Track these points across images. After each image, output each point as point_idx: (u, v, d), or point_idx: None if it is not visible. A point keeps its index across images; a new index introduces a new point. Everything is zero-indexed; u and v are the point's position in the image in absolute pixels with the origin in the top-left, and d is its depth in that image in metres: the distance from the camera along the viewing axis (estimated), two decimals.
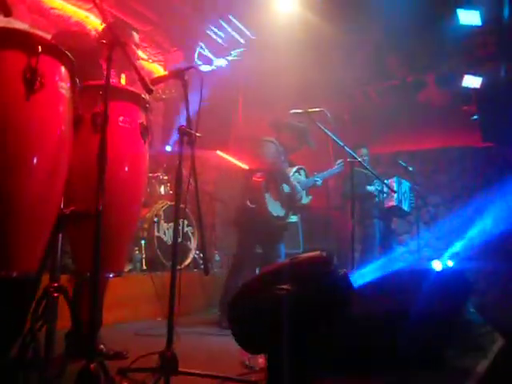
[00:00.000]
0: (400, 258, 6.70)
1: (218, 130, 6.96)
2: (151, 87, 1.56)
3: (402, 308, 2.11)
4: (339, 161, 3.95)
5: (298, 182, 3.79)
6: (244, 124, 6.96)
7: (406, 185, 5.15)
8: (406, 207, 5.02)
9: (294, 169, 3.85)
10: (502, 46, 5.61)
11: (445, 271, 3.11)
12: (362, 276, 2.17)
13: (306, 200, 3.87)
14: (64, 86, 1.57)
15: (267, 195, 3.63)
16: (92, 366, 1.41)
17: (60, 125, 1.54)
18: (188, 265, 4.49)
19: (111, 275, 1.76)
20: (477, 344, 2.84)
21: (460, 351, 2.52)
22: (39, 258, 1.50)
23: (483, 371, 2.30)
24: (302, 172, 3.92)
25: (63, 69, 1.59)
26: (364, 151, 5.19)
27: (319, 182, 3.89)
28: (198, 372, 1.90)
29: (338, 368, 1.69)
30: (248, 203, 3.63)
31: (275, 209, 3.67)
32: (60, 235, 1.69)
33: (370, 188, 4.98)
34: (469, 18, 5.12)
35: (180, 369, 1.85)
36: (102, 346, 2.34)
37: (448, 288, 2.56)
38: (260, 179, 3.66)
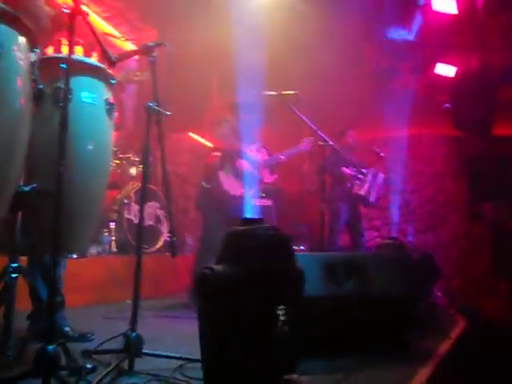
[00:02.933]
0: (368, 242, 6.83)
1: (191, 112, 6.86)
2: (114, 59, 1.50)
3: (365, 290, 2.13)
4: (306, 138, 3.90)
5: (259, 160, 3.73)
6: (218, 106, 6.88)
7: (381, 177, 5.18)
8: (372, 199, 5.06)
9: (254, 146, 3.79)
10: (475, 36, 5.68)
11: (414, 256, 3.16)
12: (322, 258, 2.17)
13: (269, 178, 3.82)
14: (21, 56, 1.49)
15: (221, 173, 3.56)
16: (51, 347, 1.38)
17: (18, 98, 1.47)
18: (160, 248, 4.44)
19: (74, 256, 1.70)
20: (440, 326, 2.92)
21: (423, 333, 2.58)
22: None
23: (445, 352, 2.36)
24: (262, 150, 3.85)
25: (20, 38, 1.51)
26: (351, 133, 5.23)
27: (282, 158, 3.82)
28: (163, 354, 1.88)
29: (296, 353, 1.69)
30: (203, 184, 3.59)
31: (233, 187, 3.60)
32: (20, 213, 1.64)
33: (345, 170, 5.01)
34: (444, 5, 5.16)
35: (146, 350, 1.84)
36: (67, 328, 2.29)
37: (416, 272, 2.61)
38: (213, 158, 3.62)
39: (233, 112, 3.81)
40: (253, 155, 3.76)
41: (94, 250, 3.80)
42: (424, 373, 1.96)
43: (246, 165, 3.66)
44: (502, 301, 5.46)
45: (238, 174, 3.65)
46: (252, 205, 3.87)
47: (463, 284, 6.55)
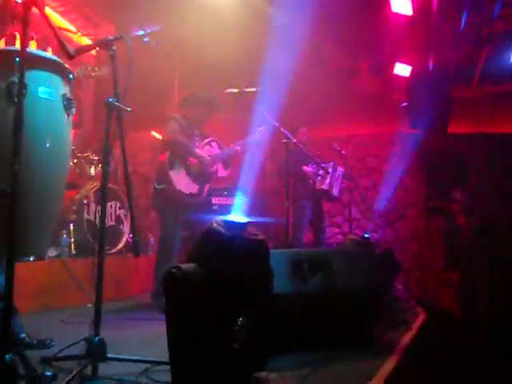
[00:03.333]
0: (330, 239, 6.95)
1: (152, 110, 6.74)
2: (72, 52, 1.43)
3: (331, 286, 2.15)
4: (259, 128, 3.80)
5: (210, 155, 3.67)
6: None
7: (340, 171, 5.30)
8: (335, 193, 5.16)
9: (205, 141, 3.73)
10: (430, 36, 5.86)
11: (374, 250, 3.23)
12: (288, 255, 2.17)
13: (223, 172, 3.76)
14: None
15: (172, 172, 3.47)
16: (6, 356, 1.30)
17: None
18: (121, 249, 4.33)
19: (31, 258, 1.62)
20: (401, 318, 2.99)
21: (387, 326, 2.64)
22: None
23: (407, 343, 2.42)
24: (213, 144, 3.78)
25: None
26: (304, 130, 5.28)
27: (236, 149, 3.75)
28: (127, 357, 1.82)
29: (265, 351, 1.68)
30: (155, 185, 3.51)
31: (186, 186, 3.53)
32: None
33: (305, 168, 5.07)
34: (401, 7, 5.29)
35: (110, 355, 1.78)
36: (23, 335, 2.19)
37: (378, 266, 2.66)
38: (163, 157, 3.53)
39: (187, 108, 3.74)
40: (207, 151, 3.69)
41: (52, 252, 3.66)
42: (388, 365, 2.00)
43: (196, 161, 3.59)
44: (454, 292, 5.69)
45: (190, 172, 3.57)
46: (208, 202, 3.82)
47: (422, 277, 6.79)
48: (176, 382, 1.28)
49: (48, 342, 2.21)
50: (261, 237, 1.56)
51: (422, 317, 3.24)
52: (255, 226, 1.58)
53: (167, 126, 3.58)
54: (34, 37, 2.66)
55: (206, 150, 3.69)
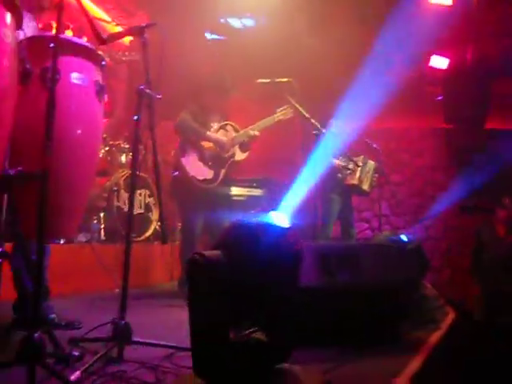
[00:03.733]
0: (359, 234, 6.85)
1: (183, 99, 6.76)
2: (104, 37, 1.44)
3: (358, 280, 2.11)
4: (283, 107, 3.64)
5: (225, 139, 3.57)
6: None
7: (371, 164, 5.15)
8: (365, 187, 5.03)
9: (217, 125, 3.61)
10: (470, 28, 5.66)
11: (404, 246, 3.16)
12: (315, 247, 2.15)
13: (240, 156, 3.64)
14: (8, 34, 1.43)
15: (184, 159, 3.42)
16: (36, 335, 1.33)
17: (3, 77, 1.41)
18: (149, 237, 4.40)
19: (61, 241, 1.66)
20: (430, 317, 2.92)
21: (414, 325, 2.58)
22: None
23: (435, 342, 2.36)
24: (228, 128, 3.66)
25: (8, 15, 1.45)
26: (337, 122, 5.17)
27: (253, 133, 3.60)
28: (152, 342, 1.85)
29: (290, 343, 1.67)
30: (172, 172, 3.48)
31: (199, 171, 3.46)
32: (5, 197, 1.58)
33: (335, 161, 4.97)
34: None
35: (135, 338, 1.80)
36: (53, 316, 2.25)
37: (407, 262, 2.60)
38: (177, 146, 3.52)
39: (199, 95, 3.64)
40: (221, 135, 3.59)
41: (82, 237, 3.75)
42: (415, 363, 1.95)
43: (210, 146, 3.50)
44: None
45: (204, 157, 3.49)
46: (226, 189, 3.72)
47: (452, 276, 6.62)
48: (196, 369, 1.28)
49: (76, 324, 2.27)
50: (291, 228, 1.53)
51: (451, 316, 3.16)
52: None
53: (180, 114, 3.55)
54: (70, 26, 2.70)
55: (220, 134, 3.59)
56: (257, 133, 3.60)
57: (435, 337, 2.47)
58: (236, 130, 3.66)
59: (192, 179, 3.41)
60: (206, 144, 3.51)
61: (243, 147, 3.66)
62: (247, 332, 1.19)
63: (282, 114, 3.63)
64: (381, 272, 2.23)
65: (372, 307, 2.11)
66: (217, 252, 1.29)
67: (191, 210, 3.49)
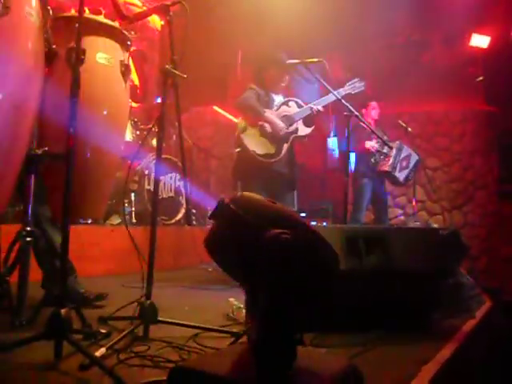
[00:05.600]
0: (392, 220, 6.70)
1: (215, 85, 6.77)
2: (125, 13, 1.43)
3: (387, 265, 2.05)
4: (354, 79, 3.56)
5: (285, 115, 3.53)
6: (243, 80, 6.75)
7: (413, 158, 4.94)
8: (398, 174, 4.86)
9: (279, 101, 3.59)
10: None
11: (438, 232, 3.05)
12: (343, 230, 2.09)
13: (305, 131, 3.58)
14: (32, 13, 1.43)
15: (244, 135, 3.43)
16: (63, 310, 1.36)
17: (26, 55, 1.42)
18: (179, 220, 4.44)
19: (88, 221, 1.68)
20: (465, 305, 2.83)
21: (448, 313, 2.50)
22: (6, 199, 1.42)
23: (469, 331, 2.28)
24: (291, 103, 3.62)
25: None
26: (374, 104, 5.04)
27: (316, 109, 3.52)
28: (177, 321, 1.86)
29: (324, 326, 1.63)
30: (235, 149, 3.51)
31: (260, 146, 3.44)
32: (33, 177, 1.61)
33: (368, 143, 4.85)
34: None
35: (161, 318, 1.82)
36: (82, 290, 2.31)
37: (442, 248, 2.51)
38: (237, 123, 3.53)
39: (260, 73, 3.62)
40: (283, 110, 3.57)
41: (114, 220, 3.82)
42: (446, 351, 1.89)
43: (269, 119, 3.48)
44: None
45: (265, 132, 3.47)
46: (291, 163, 3.66)
47: (489, 264, 6.39)
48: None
49: (104, 295, 2.32)
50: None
51: (487, 305, 3.04)
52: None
53: (244, 93, 3.55)
54: (103, 12, 2.71)
55: (282, 110, 3.57)
56: (320, 108, 3.54)
57: (469, 325, 2.39)
58: (299, 106, 3.62)
59: (253, 154, 3.41)
60: (265, 119, 3.49)
61: (307, 122, 3.61)
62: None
63: (350, 88, 3.55)
64: (412, 257, 2.16)
65: (401, 292, 2.04)
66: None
67: (253, 187, 3.44)
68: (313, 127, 3.63)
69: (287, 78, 3.66)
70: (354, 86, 3.55)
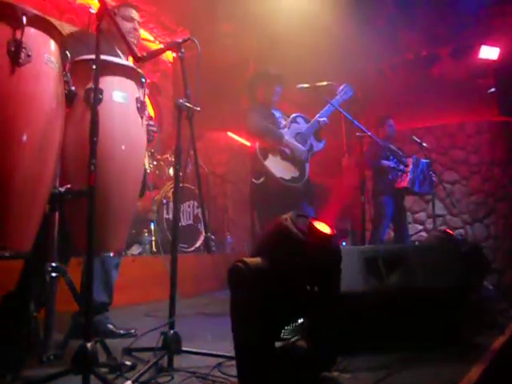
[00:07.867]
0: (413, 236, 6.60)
1: (228, 111, 6.88)
2: (139, 55, 1.49)
3: (409, 284, 2.03)
4: (342, 86, 3.54)
5: (298, 133, 3.52)
6: None
7: (423, 163, 4.93)
8: (418, 189, 4.83)
9: (288, 119, 3.57)
10: None
11: (460, 247, 3.01)
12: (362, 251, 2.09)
13: (318, 146, 3.57)
14: (52, 60, 1.51)
15: (267, 162, 3.35)
16: (89, 344, 1.39)
17: (48, 99, 1.49)
18: (199, 247, 4.48)
19: (111, 254, 1.72)
20: (493, 321, 2.76)
21: (476, 328, 2.45)
22: (32, 237, 1.47)
23: (498, 348, 2.22)
24: (299, 119, 3.60)
25: (51, 42, 1.54)
26: (391, 122, 5.05)
27: (323, 121, 3.54)
28: (201, 351, 1.86)
29: (347, 345, 1.62)
30: (254, 180, 3.41)
31: (285, 171, 3.37)
32: (57, 214, 1.67)
33: (384, 162, 4.84)
34: None
35: (185, 348, 1.83)
36: (110, 326, 2.35)
37: (464, 264, 2.48)
38: (253, 149, 3.44)
39: (255, 92, 3.66)
40: (294, 128, 3.54)
41: (135, 250, 3.88)
42: (476, 370, 1.84)
43: (289, 143, 3.44)
44: None
45: (286, 156, 3.42)
46: (309, 185, 3.60)
47: None
48: (241, 378, 1.28)
49: (133, 331, 2.35)
50: (331, 233, 1.50)
51: None
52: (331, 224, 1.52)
53: (246, 118, 3.52)
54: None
55: (293, 128, 3.54)
56: (326, 120, 3.55)
57: (498, 342, 2.33)
58: (307, 121, 3.62)
59: (281, 181, 3.32)
60: (283, 142, 3.46)
61: (317, 136, 3.62)
62: (291, 341, 1.17)
63: (343, 94, 3.57)
64: (434, 274, 2.14)
65: (424, 311, 2.02)
66: (258, 259, 1.28)
67: (271, 214, 3.42)
68: (325, 141, 3.63)
69: (278, 90, 3.64)
70: (346, 92, 3.55)
